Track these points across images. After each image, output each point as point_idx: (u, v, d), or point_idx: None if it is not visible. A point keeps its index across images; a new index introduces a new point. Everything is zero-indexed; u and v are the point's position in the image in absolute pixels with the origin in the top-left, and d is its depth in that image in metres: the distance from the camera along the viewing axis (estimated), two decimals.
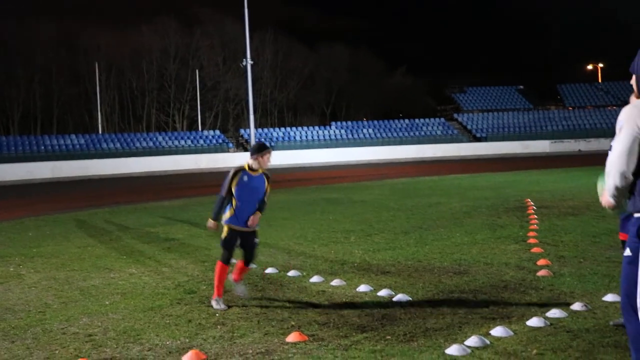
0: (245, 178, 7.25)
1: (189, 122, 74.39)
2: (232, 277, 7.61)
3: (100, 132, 60.76)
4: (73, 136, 52.52)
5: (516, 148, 55.25)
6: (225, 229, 7.31)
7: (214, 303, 7.18)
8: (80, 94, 71.16)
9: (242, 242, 7.37)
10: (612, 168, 3.86)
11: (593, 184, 6.21)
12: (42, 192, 31.79)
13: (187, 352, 5.55)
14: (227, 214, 7.32)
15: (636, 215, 3.92)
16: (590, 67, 76.40)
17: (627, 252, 3.99)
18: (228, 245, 7.32)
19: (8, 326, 6.71)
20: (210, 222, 7.31)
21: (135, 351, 5.73)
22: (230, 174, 7.27)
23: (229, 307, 7.11)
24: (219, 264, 7.33)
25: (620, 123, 3.88)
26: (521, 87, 70.13)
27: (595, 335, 5.55)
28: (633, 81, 4.02)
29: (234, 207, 7.27)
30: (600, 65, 74.46)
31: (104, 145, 50.79)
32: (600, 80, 71.76)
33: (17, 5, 76.99)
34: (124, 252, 11.32)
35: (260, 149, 7.32)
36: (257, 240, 7.52)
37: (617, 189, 3.87)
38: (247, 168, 7.31)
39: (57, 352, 5.81)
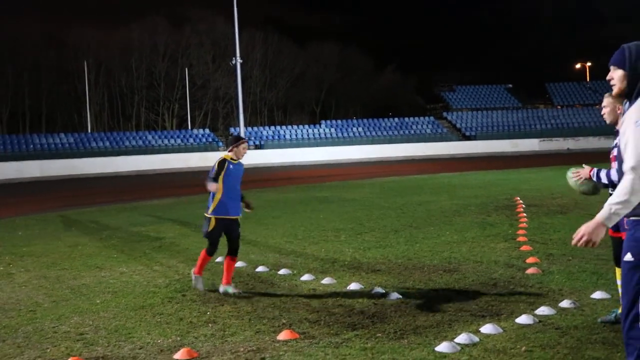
0: (231, 166, 7.64)
1: (179, 121, 74.19)
2: (222, 282, 7.66)
3: (89, 130, 60.52)
4: (62, 135, 52.33)
5: (505, 146, 55.52)
6: (213, 221, 7.56)
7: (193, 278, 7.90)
8: (69, 92, 70.81)
9: (227, 231, 7.64)
10: None
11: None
12: (30, 191, 31.66)
13: (178, 350, 5.57)
14: (212, 206, 7.56)
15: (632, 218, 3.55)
16: (578, 65, 76.83)
17: (629, 256, 3.53)
18: (213, 237, 7.65)
19: None
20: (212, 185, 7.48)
21: (127, 349, 5.74)
22: (216, 165, 7.58)
23: (208, 290, 7.67)
24: (203, 253, 7.78)
25: None
26: (510, 85, 70.44)
27: (583, 332, 5.61)
28: (619, 77, 3.64)
29: (220, 197, 7.54)
30: (589, 64, 74.87)
31: (93, 144, 50.62)
32: (588, 79, 72.15)
33: (6, 2, 76.57)
34: (115, 250, 11.31)
35: (236, 140, 7.76)
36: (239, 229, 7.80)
37: None
38: (229, 158, 7.70)
39: (48, 350, 5.81)
